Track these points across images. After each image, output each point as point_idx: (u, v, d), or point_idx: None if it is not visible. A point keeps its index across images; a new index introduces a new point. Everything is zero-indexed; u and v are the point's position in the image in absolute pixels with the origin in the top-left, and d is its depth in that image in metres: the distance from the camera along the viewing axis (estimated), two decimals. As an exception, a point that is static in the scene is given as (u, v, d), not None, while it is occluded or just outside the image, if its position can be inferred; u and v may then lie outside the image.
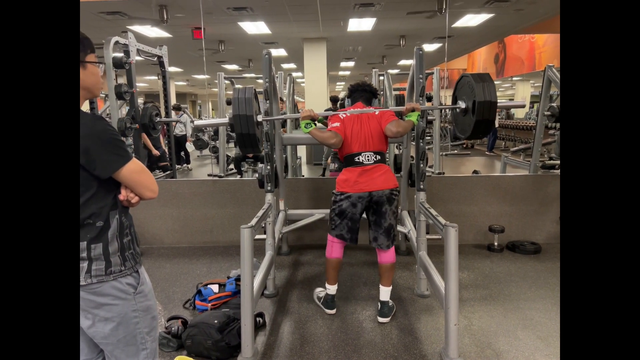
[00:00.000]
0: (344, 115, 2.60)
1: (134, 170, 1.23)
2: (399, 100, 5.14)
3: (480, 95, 2.14)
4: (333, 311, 2.69)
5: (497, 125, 12.17)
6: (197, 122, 2.36)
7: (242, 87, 2.24)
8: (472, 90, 2.19)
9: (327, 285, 2.71)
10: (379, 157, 2.54)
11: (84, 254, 1.21)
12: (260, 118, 2.30)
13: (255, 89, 2.28)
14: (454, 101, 2.45)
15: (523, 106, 2.48)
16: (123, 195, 1.26)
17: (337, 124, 2.57)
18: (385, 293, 2.63)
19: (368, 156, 2.52)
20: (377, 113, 2.59)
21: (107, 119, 5.11)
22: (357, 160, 2.53)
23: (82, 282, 1.21)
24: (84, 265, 1.21)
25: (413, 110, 2.51)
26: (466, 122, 2.32)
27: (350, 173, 2.53)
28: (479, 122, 2.19)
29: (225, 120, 2.16)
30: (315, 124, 2.53)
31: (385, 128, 2.53)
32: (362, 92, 2.75)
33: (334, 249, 2.66)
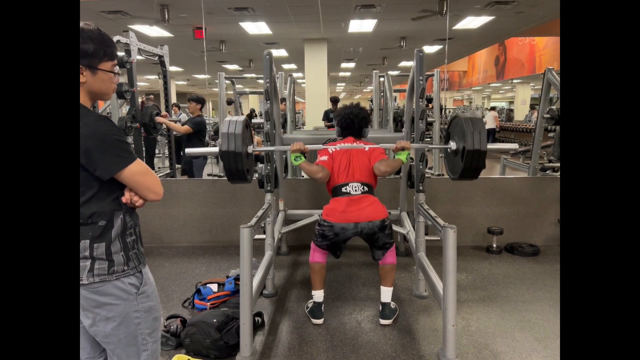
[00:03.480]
0: (333, 150, 2.60)
1: (136, 172, 1.22)
2: (396, 117, 5.16)
3: (470, 144, 2.14)
4: (320, 321, 2.59)
5: (497, 127, 12.22)
6: (188, 151, 2.37)
7: (232, 120, 2.20)
8: (464, 134, 2.20)
9: (312, 292, 2.64)
10: (366, 188, 2.52)
11: (86, 253, 1.21)
12: (250, 149, 2.33)
13: (246, 119, 2.27)
14: (447, 139, 2.46)
15: (515, 149, 2.45)
16: (126, 197, 1.26)
17: (324, 158, 2.58)
18: (386, 294, 2.62)
19: (355, 187, 2.50)
20: (367, 149, 2.59)
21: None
22: (344, 190, 2.50)
23: (84, 281, 1.21)
24: (86, 264, 1.21)
25: (403, 148, 2.47)
26: (456, 163, 2.33)
27: (337, 203, 2.49)
28: (466, 169, 2.20)
29: (216, 149, 2.18)
30: (304, 157, 2.50)
31: (374, 167, 2.53)
32: (352, 130, 2.71)
33: (316, 254, 2.60)
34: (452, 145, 2.33)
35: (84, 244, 1.21)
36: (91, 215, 1.21)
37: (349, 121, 2.69)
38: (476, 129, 2.15)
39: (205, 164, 5.19)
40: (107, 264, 1.23)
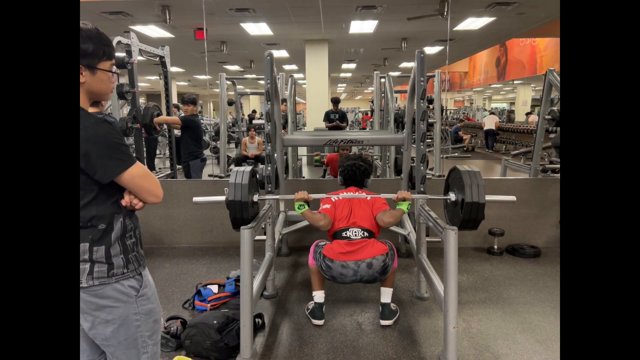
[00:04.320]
0: (336, 198, 2.66)
1: (136, 174, 1.22)
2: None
3: (469, 196, 2.17)
4: (320, 322, 2.60)
5: (496, 128, 12.23)
6: (196, 199, 2.43)
7: (239, 170, 2.31)
8: (463, 187, 2.22)
9: (313, 293, 2.66)
10: (367, 234, 2.54)
11: (85, 256, 1.20)
12: (256, 198, 2.44)
13: (253, 169, 2.39)
14: (446, 190, 2.49)
15: (513, 201, 2.42)
16: (126, 200, 1.25)
17: (327, 206, 2.63)
18: (386, 295, 2.62)
19: (356, 232, 2.53)
20: (369, 199, 2.64)
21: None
22: (344, 235, 2.53)
23: (83, 284, 1.20)
24: (85, 267, 1.20)
25: (404, 199, 2.48)
26: (455, 214, 2.35)
27: (337, 244, 2.52)
28: (466, 220, 2.22)
29: (222, 198, 2.28)
30: (308, 206, 2.52)
31: (377, 217, 2.58)
32: (354, 181, 2.80)
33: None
34: (452, 196, 2.36)
35: (84, 247, 1.20)
36: (91, 219, 1.20)
37: (352, 173, 2.80)
38: (474, 182, 2.18)
39: (204, 166, 5.18)
40: (106, 267, 1.22)
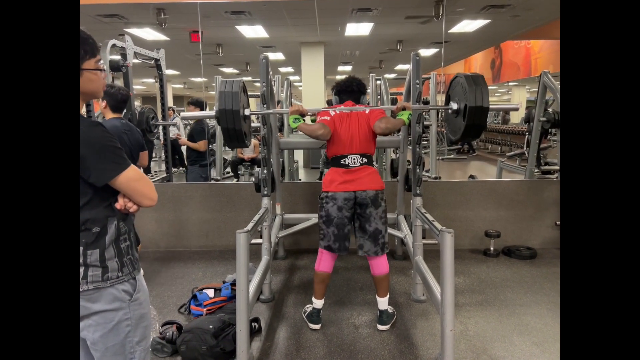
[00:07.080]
0: (334, 113, 2.58)
1: (131, 178, 1.21)
2: (394, 103, 5.15)
3: (472, 100, 2.12)
4: (317, 326, 2.60)
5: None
6: (183, 114, 2.37)
7: (229, 80, 2.20)
8: (465, 93, 2.17)
9: (313, 299, 2.64)
10: (365, 159, 2.52)
11: (80, 260, 1.19)
12: (247, 112, 2.29)
13: (243, 82, 2.26)
14: (447, 101, 2.44)
15: (517, 109, 2.46)
16: (120, 204, 1.24)
17: (326, 118, 2.55)
18: (382, 303, 2.60)
19: (354, 159, 2.50)
20: (367, 112, 2.57)
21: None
22: (342, 162, 2.51)
23: None
24: (80, 271, 1.19)
25: (404, 108, 2.49)
26: (457, 124, 2.30)
27: (336, 173, 2.51)
28: (469, 126, 2.18)
29: (212, 113, 2.16)
30: (303, 119, 2.49)
31: (374, 124, 2.49)
32: (351, 93, 2.68)
33: (322, 261, 2.59)
34: (453, 105, 2.31)
35: None
36: (84, 222, 1.19)
37: (348, 84, 2.69)
38: (478, 86, 2.12)
39: (206, 171, 5.19)
40: (100, 271, 1.21)
